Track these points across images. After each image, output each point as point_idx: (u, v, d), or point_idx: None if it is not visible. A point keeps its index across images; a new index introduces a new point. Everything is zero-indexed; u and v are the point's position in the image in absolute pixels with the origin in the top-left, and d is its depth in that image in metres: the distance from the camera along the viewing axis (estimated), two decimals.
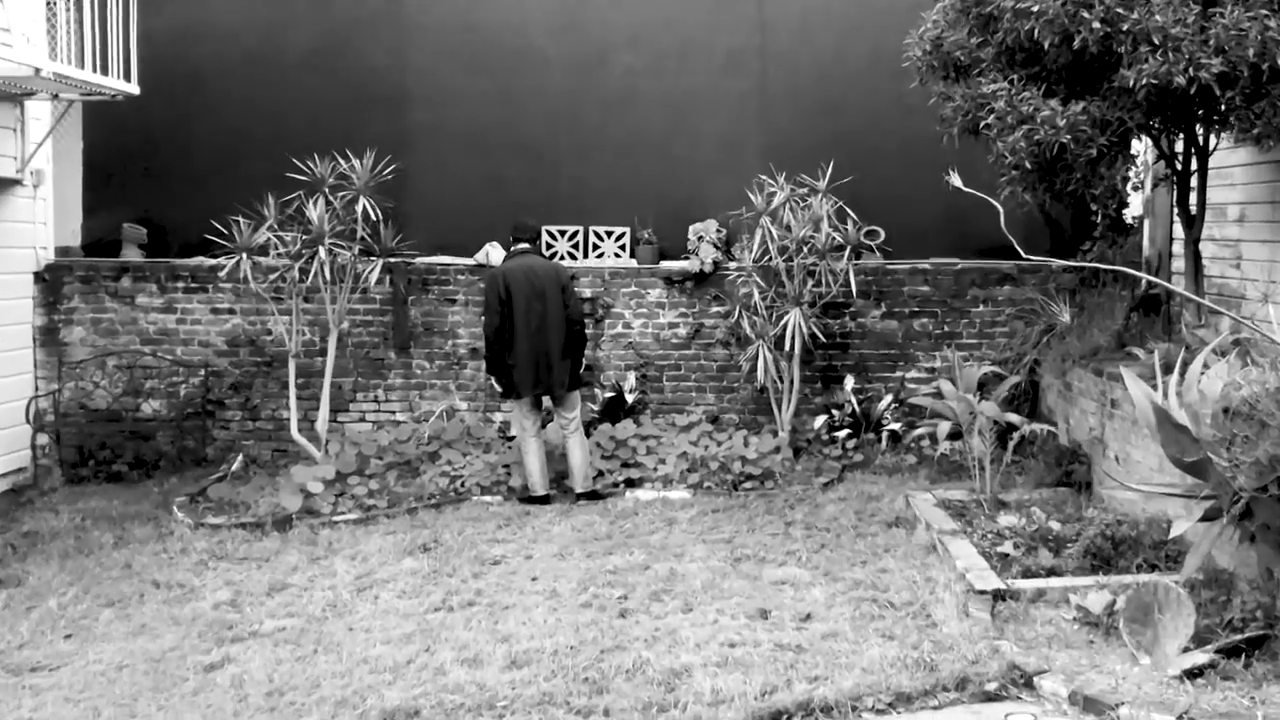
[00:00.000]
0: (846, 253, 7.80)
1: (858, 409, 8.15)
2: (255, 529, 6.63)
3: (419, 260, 8.49)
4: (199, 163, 8.69)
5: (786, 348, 7.83)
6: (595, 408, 8.41)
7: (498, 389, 7.22)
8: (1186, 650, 4.41)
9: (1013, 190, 6.25)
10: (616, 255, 8.68)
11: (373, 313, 8.57)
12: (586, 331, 7.67)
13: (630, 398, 8.34)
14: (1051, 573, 5.39)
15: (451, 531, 6.53)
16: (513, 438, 8.16)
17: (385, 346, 8.56)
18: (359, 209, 7.47)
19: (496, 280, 7.07)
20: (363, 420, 8.53)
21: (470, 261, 8.55)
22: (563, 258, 8.64)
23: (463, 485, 7.33)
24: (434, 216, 8.66)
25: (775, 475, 7.50)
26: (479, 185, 8.79)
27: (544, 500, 7.06)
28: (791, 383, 7.99)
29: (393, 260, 8.17)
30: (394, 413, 8.54)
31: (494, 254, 8.51)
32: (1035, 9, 5.60)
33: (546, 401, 7.33)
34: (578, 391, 7.30)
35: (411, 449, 7.80)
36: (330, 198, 7.51)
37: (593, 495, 7.13)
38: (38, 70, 6.73)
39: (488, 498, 7.24)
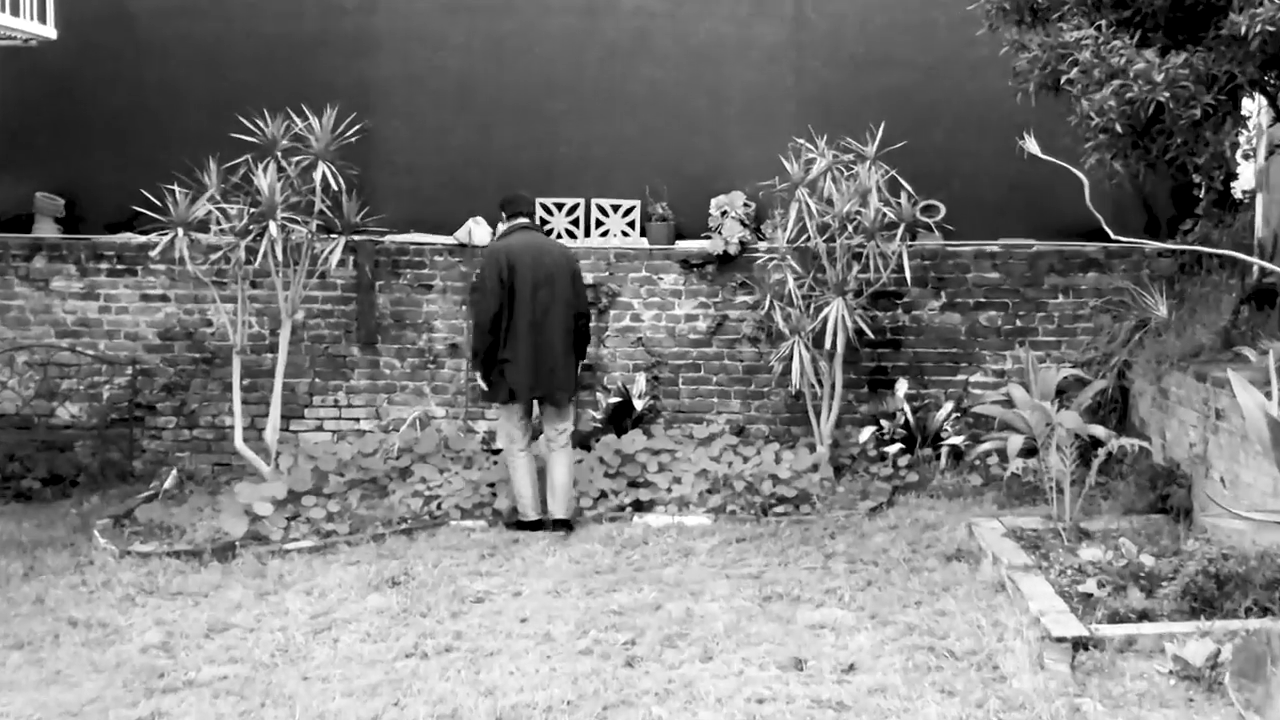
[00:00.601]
0: (899, 231, 7.80)
1: (912, 419, 8.14)
2: (192, 558, 6.63)
3: (389, 239, 8.50)
4: (127, 121, 8.70)
5: (827, 345, 7.83)
6: (597, 415, 8.44)
7: (484, 389, 7.17)
8: None
9: (1100, 158, 6.22)
10: (624, 234, 8.69)
11: (333, 301, 8.58)
12: (591, 326, 7.68)
13: (639, 404, 8.36)
14: (1143, 617, 5.36)
15: (425, 563, 6.54)
16: (498, 451, 8.17)
17: (348, 341, 8.57)
18: (317, 176, 7.47)
19: (498, 258, 7.03)
20: (320, 429, 8.56)
21: (450, 240, 8.55)
22: (560, 236, 8.66)
23: (439, 507, 7.34)
24: (407, 186, 8.67)
25: (813, 498, 7.50)
26: (461, 149, 8.80)
27: (536, 526, 7.07)
28: (833, 387, 8.00)
29: (357, 238, 8.18)
30: (358, 420, 8.56)
31: (477, 231, 8.53)
32: None
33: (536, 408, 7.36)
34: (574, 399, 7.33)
35: (378, 464, 7.82)
36: (283, 163, 7.52)
37: (568, 525, 7.11)
38: None
39: (469, 522, 7.24)
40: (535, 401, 7.19)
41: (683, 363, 8.58)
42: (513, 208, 7.34)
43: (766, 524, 7.21)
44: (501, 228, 7.36)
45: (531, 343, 6.99)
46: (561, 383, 7.12)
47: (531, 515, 7.10)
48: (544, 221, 8.66)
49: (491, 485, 7.55)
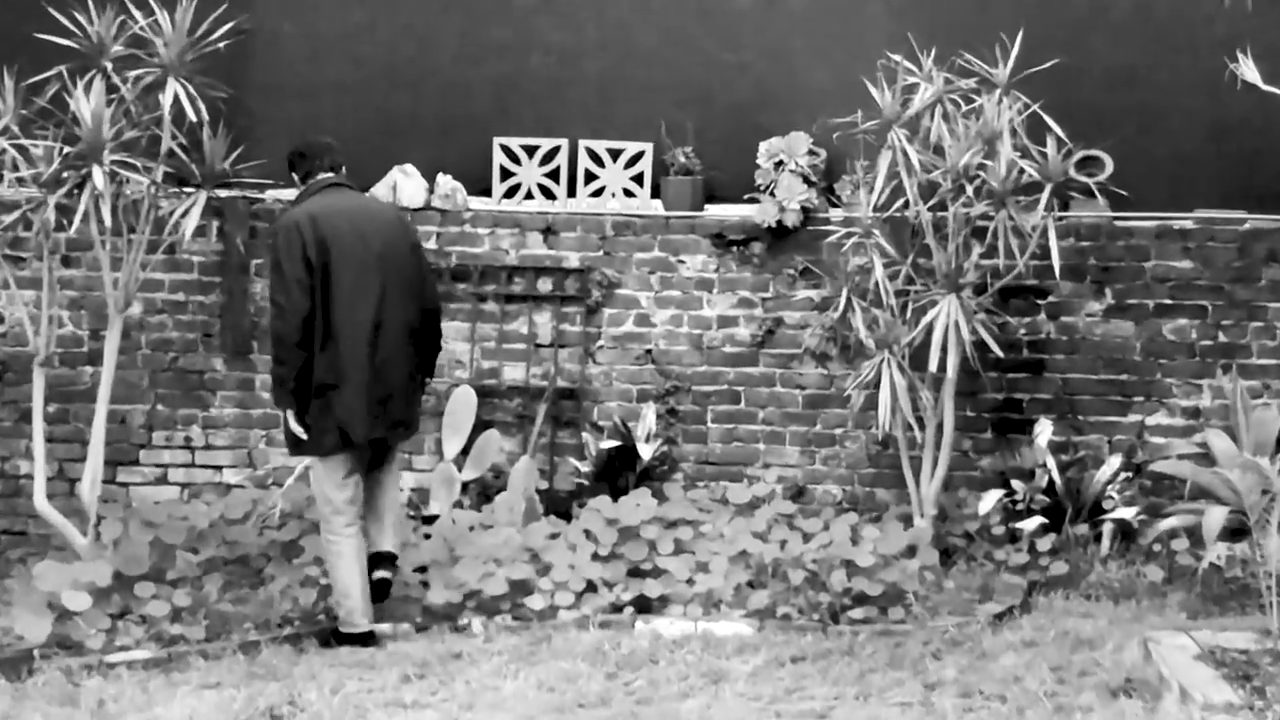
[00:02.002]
0: (1044, 196, 7.76)
1: (1059, 480, 8.11)
2: None
3: (273, 196, 8.51)
4: None
5: (932, 366, 7.80)
6: (582, 467, 8.43)
7: (297, 432, 7.02)
8: None
9: None
10: (627, 193, 8.69)
11: (187, 288, 8.56)
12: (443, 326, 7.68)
13: (647, 451, 8.36)
14: None
15: (321, 687, 6.49)
16: (433, 518, 8.16)
17: (208, 350, 8.57)
18: (167, 101, 7.45)
19: (301, 233, 6.92)
20: (164, 481, 8.56)
21: (373, 197, 8.52)
22: (530, 195, 8.67)
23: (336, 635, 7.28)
24: (302, 118, 8.65)
25: (907, 598, 7.47)
26: (384, 63, 8.83)
27: (366, 640, 7.07)
28: (940, 430, 7.97)
29: (225, 195, 8.16)
30: (220, 469, 8.54)
31: (407, 185, 8.58)
32: None
33: None
34: None
35: (251, 536, 7.79)
36: (116, 79, 7.51)
37: (393, 561, 7.30)
38: None
39: (386, 626, 7.24)
40: (379, 442, 7.21)
41: (713, 389, 8.56)
42: (311, 162, 7.29)
43: (837, 636, 7.15)
44: (300, 191, 7.27)
45: (366, 356, 6.97)
46: (406, 415, 7.20)
47: (362, 623, 7.08)
48: (506, 173, 8.67)
49: (423, 569, 7.55)
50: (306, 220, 6.97)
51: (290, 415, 7.03)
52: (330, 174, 7.25)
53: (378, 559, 7.24)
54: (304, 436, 7.01)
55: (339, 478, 7.07)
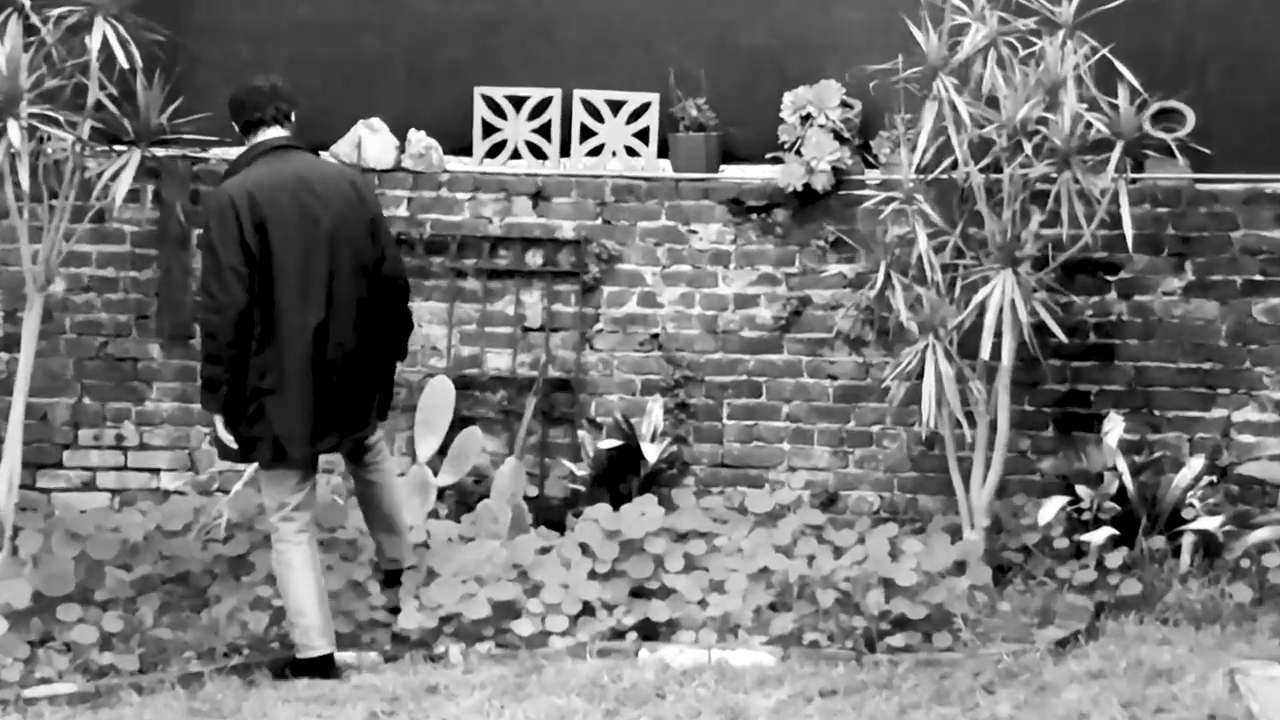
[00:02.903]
0: (1115, 155, 7.75)
1: (1131, 485, 8.10)
2: None
3: (217, 155, 8.52)
4: None
5: (984, 353, 7.80)
6: (578, 471, 8.46)
7: (228, 443, 7.04)
8: None
9: None
10: (630, 153, 8.70)
11: (118, 263, 8.61)
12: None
13: (652, 452, 8.37)
14: None
15: None
16: None
17: (142, 334, 8.61)
18: (94, 44, 7.45)
19: (234, 211, 6.84)
20: (91, 486, 8.60)
21: (326, 160, 8.52)
22: (516, 154, 8.67)
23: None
24: (253, 65, 8.57)
25: (956, 622, 7.46)
26: (349, 1, 8.85)
27: (325, 667, 7.07)
28: (993, 428, 7.98)
29: (163, 154, 8.16)
30: (157, 473, 8.59)
31: (373, 143, 8.60)
32: None
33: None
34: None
35: (193, 550, 7.81)
36: (35, 18, 7.50)
37: (397, 579, 7.51)
38: None
39: (350, 654, 7.24)
40: (331, 452, 7.26)
41: (730, 380, 8.58)
42: (251, 113, 7.18)
43: (874, 667, 7.14)
44: (237, 156, 7.23)
45: (309, 360, 6.93)
46: (365, 416, 7.23)
47: (320, 644, 7.07)
48: (489, 129, 8.68)
49: (391, 581, 7.60)
50: (243, 196, 6.89)
51: (219, 422, 7.05)
52: (275, 129, 7.16)
53: (388, 576, 7.43)
54: (233, 446, 7.05)
55: (290, 484, 7.09)
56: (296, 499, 7.10)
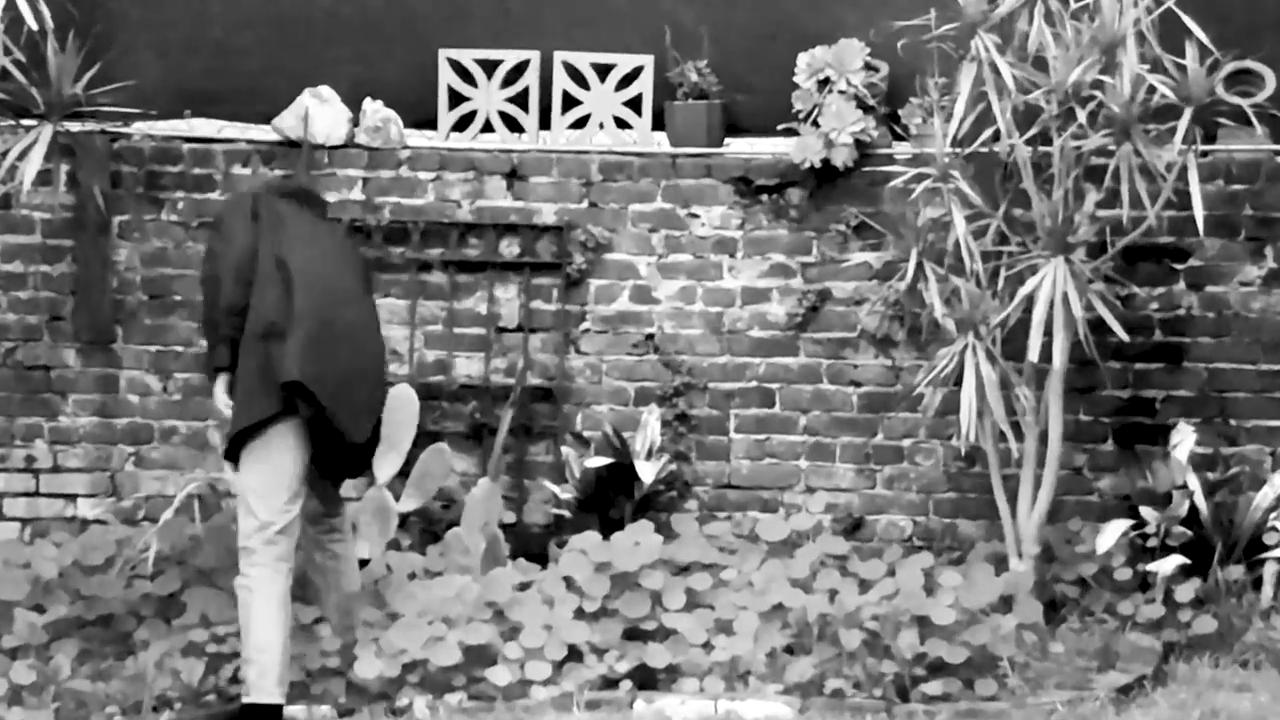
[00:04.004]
0: (1182, 123, 7.77)
1: (1204, 506, 8.10)
2: None
3: (140, 130, 8.57)
4: None
5: (1032, 354, 7.83)
6: (563, 493, 8.48)
7: (221, 407, 7.33)
8: None
9: None
10: (620, 125, 8.74)
11: (27, 255, 8.63)
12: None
13: (648, 471, 8.39)
14: None
15: None
16: (363, 562, 8.10)
17: (56, 337, 8.63)
18: None
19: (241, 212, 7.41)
20: None
21: (266, 134, 8.67)
22: (487, 127, 8.72)
23: (238, 678, 7.31)
24: (183, 25, 8.70)
25: (1002, 667, 7.48)
26: None
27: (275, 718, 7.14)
28: (1044, 440, 8.01)
29: (79, 129, 8.21)
30: (73, 499, 8.59)
31: (321, 114, 8.62)
32: None
33: None
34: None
35: (115, 589, 7.82)
36: None
37: None
38: None
39: (299, 708, 7.27)
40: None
41: (737, 387, 8.62)
42: None
43: (907, 719, 7.19)
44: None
45: (330, 319, 7.25)
46: (375, 398, 7.46)
47: (275, 693, 7.11)
48: (457, 98, 8.72)
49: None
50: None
51: (219, 387, 7.29)
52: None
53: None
54: (228, 412, 7.26)
55: (280, 499, 7.17)
56: (283, 521, 7.17)
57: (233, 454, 7.25)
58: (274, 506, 7.17)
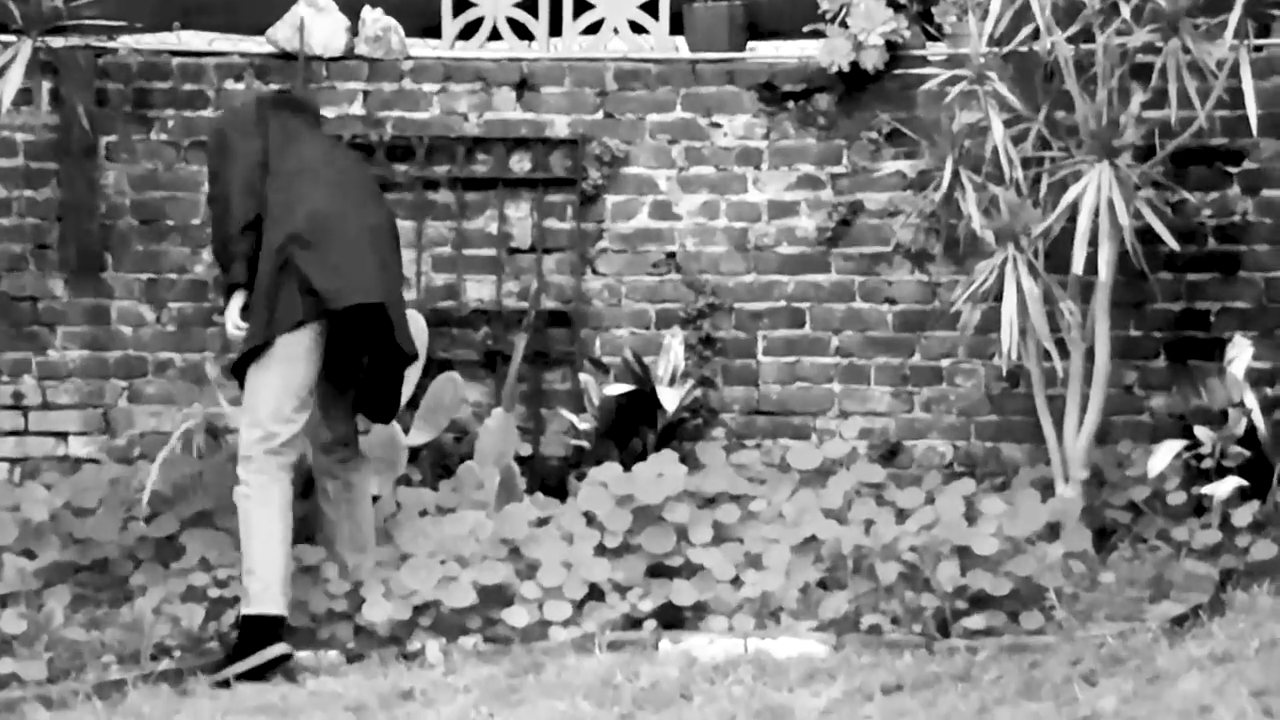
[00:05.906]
0: (1234, 16, 7.74)
1: (1263, 425, 8.10)
2: None
3: (127, 43, 8.55)
4: None
5: (1077, 265, 7.80)
6: (582, 422, 8.48)
7: (233, 329, 7.45)
8: None
9: None
10: (636, 29, 8.74)
11: (9, 179, 8.66)
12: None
13: (672, 397, 8.40)
14: None
15: None
16: (374, 498, 8.16)
17: (41, 267, 8.66)
18: None
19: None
20: None
21: (260, 46, 8.67)
22: (494, 34, 8.66)
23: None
24: None
25: (1049, 598, 7.48)
26: None
27: (276, 632, 7.15)
28: (1091, 358, 7.99)
29: (60, 43, 8.20)
30: (64, 436, 8.64)
31: (320, 25, 8.57)
32: None
33: None
34: None
35: (109, 530, 7.85)
36: None
37: None
38: None
39: (306, 653, 7.29)
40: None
41: (765, 307, 8.62)
42: None
43: (948, 655, 7.18)
44: None
45: (358, 224, 7.41)
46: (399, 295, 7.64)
47: (279, 604, 7.21)
48: (462, 3, 8.71)
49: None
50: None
51: (234, 305, 7.44)
52: None
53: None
54: (240, 332, 7.40)
55: (289, 405, 7.30)
56: (288, 432, 7.31)
57: (240, 369, 7.40)
58: (281, 414, 7.33)
